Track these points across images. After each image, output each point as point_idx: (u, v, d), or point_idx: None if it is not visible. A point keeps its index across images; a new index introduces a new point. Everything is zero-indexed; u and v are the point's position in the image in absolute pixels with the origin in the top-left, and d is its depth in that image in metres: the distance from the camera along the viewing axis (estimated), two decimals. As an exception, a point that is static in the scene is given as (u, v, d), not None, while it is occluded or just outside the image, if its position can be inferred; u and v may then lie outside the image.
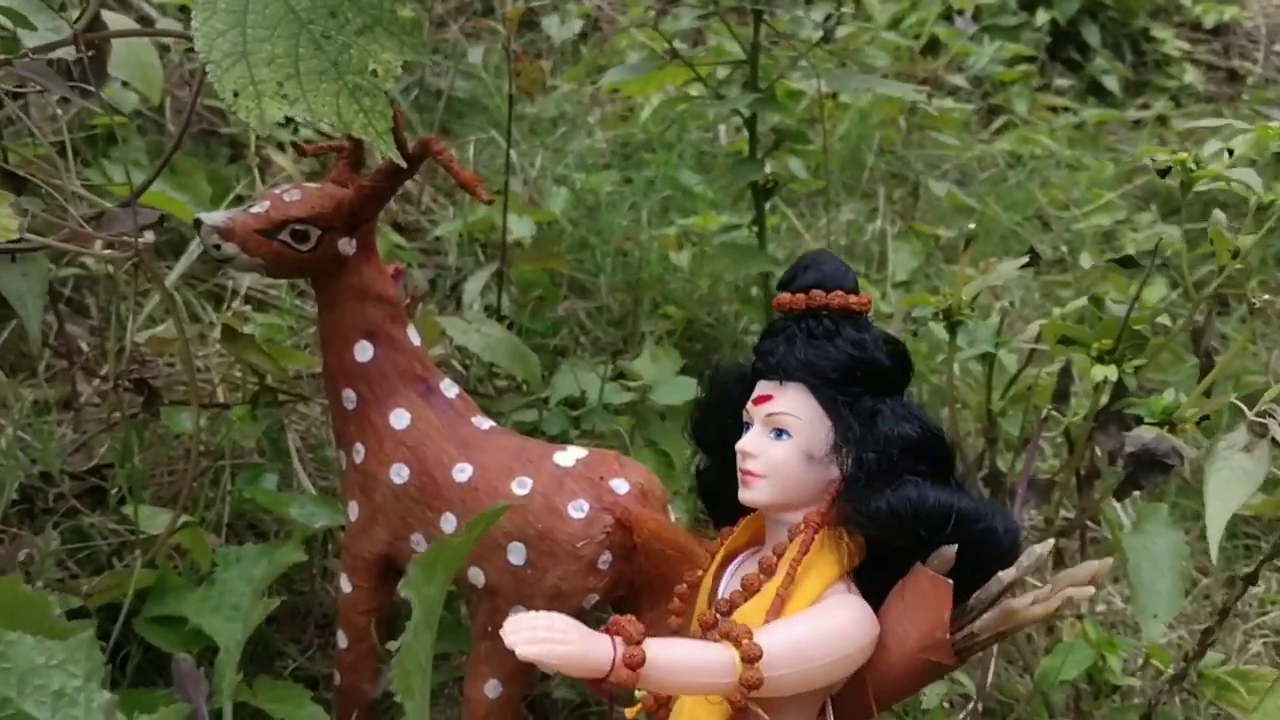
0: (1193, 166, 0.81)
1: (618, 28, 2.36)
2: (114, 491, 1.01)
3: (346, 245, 0.86)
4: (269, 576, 0.93)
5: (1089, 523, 0.99)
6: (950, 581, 0.62)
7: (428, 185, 1.74)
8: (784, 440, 0.65)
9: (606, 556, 0.82)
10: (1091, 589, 0.61)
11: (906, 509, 0.62)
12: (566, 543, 0.81)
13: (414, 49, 0.78)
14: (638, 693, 0.67)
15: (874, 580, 0.66)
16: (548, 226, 1.63)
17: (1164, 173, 0.85)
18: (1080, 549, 0.96)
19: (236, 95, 0.73)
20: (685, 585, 0.73)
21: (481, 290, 1.47)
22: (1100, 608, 1.08)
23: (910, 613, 0.63)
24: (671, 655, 0.60)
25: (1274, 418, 0.65)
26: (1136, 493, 0.83)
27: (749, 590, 0.66)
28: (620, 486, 0.83)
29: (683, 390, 1.20)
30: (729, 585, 0.70)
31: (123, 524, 0.99)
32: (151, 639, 0.91)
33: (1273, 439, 0.64)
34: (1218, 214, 0.88)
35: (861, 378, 0.65)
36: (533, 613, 0.60)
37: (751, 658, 0.60)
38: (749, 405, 0.68)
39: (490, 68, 2.07)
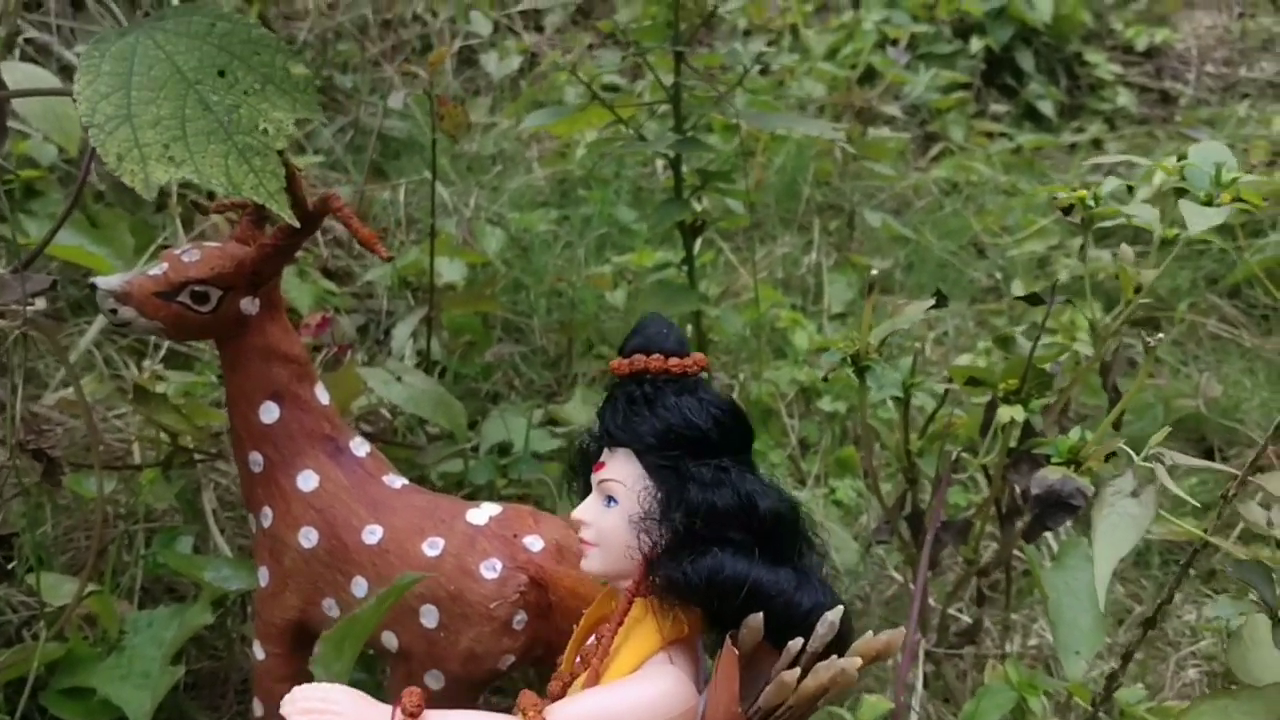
0: (1091, 204, 0.81)
1: (554, 68, 2.36)
2: (16, 564, 0.98)
3: (249, 305, 0.85)
4: (179, 640, 0.91)
5: (1017, 553, 0.99)
6: (736, 653, 0.61)
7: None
8: (613, 507, 0.65)
9: (521, 616, 0.81)
10: (859, 660, 0.60)
11: (703, 579, 0.61)
12: (479, 604, 0.80)
13: (306, 107, 0.77)
14: None
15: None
16: (481, 268, 1.61)
17: (1067, 210, 0.85)
18: (1006, 586, 0.96)
19: (120, 159, 0.71)
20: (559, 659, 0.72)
21: (412, 335, 1.45)
22: (1032, 641, 1.08)
23: (717, 684, 0.62)
24: None
25: (1161, 462, 0.65)
26: (1047, 532, 0.82)
27: (585, 662, 0.65)
28: (534, 544, 0.82)
29: (610, 435, 1.19)
30: (580, 653, 0.69)
31: (31, 595, 0.96)
32: (59, 712, 0.88)
33: (1160, 484, 0.63)
34: (1125, 250, 0.88)
35: (679, 442, 0.64)
36: (311, 684, 0.61)
37: None
38: (593, 471, 0.67)
39: (424, 108, 2.07)
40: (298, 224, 0.76)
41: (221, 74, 0.75)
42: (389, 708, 0.60)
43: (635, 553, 0.63)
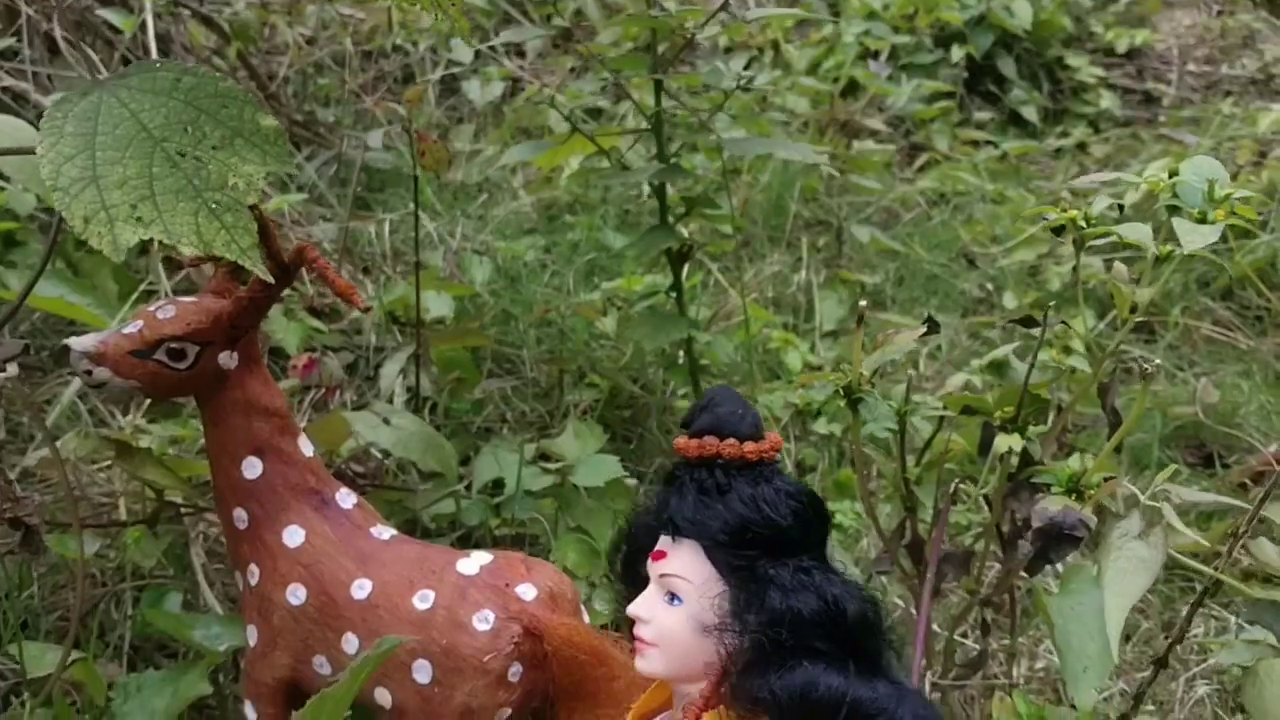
0: (1083, 224, 0.79)
1: (534, 96, 2.35)
2: (1, 629, 0.96)
3: (227, 359, 0.83)
4: (173, 710, 0.89)
5: (1022, 575, 0.97)
6: None
7: (345, 265, 1.71)
8: (676, 606, 0.59)
9: (517, 668, 0.79)
10: None
11: (793, 697, 0.56)
12: (473, 657, 0.78)
13: (277, 159, 0.75)
14: None
15: None
16: (469, 300, 1.60)
17: (1058, 230, 0.84)
18: (1011, 613, 0.94)
19: (87, 222, 0.69)
20: None
21: (401, 372, 1.44)
22: (1040, 664, 1.06)
23: None
24: None
25: (1169, 501, 0.63)
26: (1049, 564, 0.81)
27: None
28: (527, 592, 0.80)
29: (603, 470, 1.17)
30: None
31: (17, 662, 0.94)
32: (46, 786, 0.86)
33: (1167, 524, 0.62)
34: (1119, 268, 0.87)
35: (756, 539, 0.58)
36: None
37: None
38: (649, 559, 0.62)
39: (406, 140, 2.05)
40: (271, 280, 0.75)
41: (188, 129, 0.74)
42: None
43: (704, 658, 0.59)
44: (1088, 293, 1.66)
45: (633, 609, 0.62)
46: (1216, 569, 0.67)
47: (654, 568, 0.61)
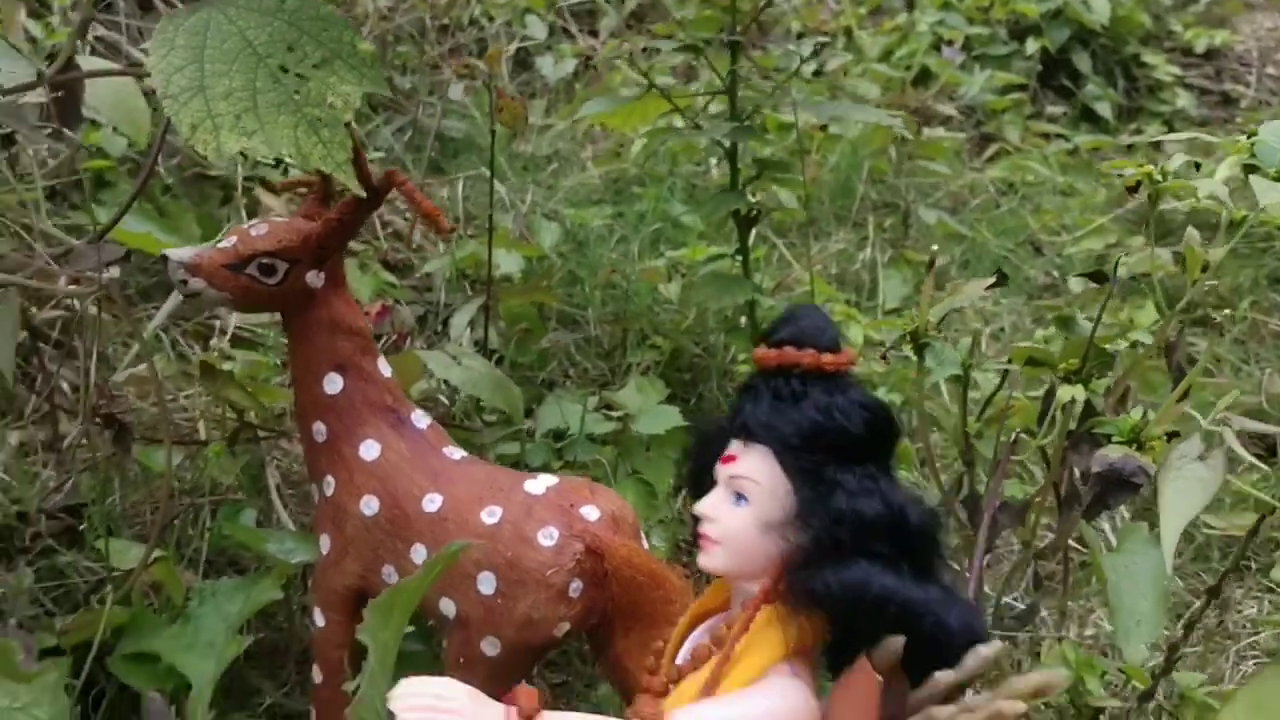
0: (1159, 179, 0.80)
1: (609, 65, 2.38)
2: (88, 530, 1.00)
3: (314, 278, 0.86)
4: (245, 614, 0.92)
5: (1074, 544, 0.98)
6: (879, 679, 0.58)
7: (419, 223, 1.75)
8: (742, 506, 0.61)
9: (577, 584, 0.81)
10: (1021, 706, 0.56)
11: (847, 593, 0.58)
12: (536, 570, 0.80)
13: (373, 82, 0.78)
14: None
15: (846, 661, 0.61)
16: (538, 262, 1.63)
17: (1133, 188, 0.85)
18: (1064, 571, 0.95)
19: (194, 129, 0.73)
20: (661, 644, 0.69)
21: (470, 324, 1.47)
22: (1089, 631, 1.07)
23: (845, 707, 0.59)
24: None
25: (1229, 425, 0.64)
26: (1107, 511, 0.81)
27: (697, 661, 0.63)
28: (591, 513, 0.82)
29: (664, 419, 1.20)
30: (690, 650, 0.66)
31: (99, 562, 0.99)
32: (124, 677, 0.90)
33: (1229, 448, 0.63)
34: (1192, 231, 0.87)
35: (826, 445, 0.60)
36: (422, 679, 0.58)
37: None
38: (718, 463, 0.64)
39: (481, 108, 2.09)
40: (363, 194, 0.78)
41: (291, 49, 0.77)
42: (503, 706, 0.58)
43: (765, 557, 0.60)
44: (1157, 284, 1.65)
45: (699, 507, 0.63)
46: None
47: (722, 470, 0.63)
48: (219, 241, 0.86)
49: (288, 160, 0.74)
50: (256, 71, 0.76)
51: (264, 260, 0.85)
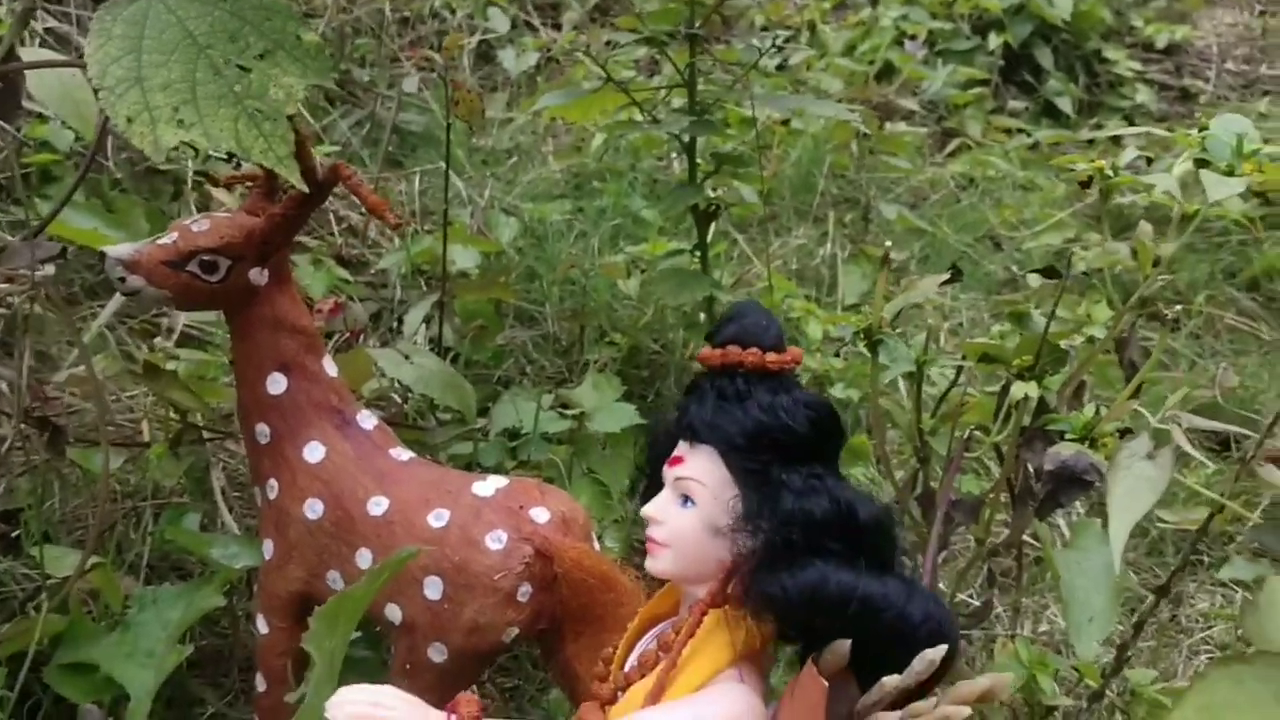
0: (1110, 175, 0.80)
1: (572, 59, 2.37)
2: (24, 535, 0.98)
3: (258, 275, 0.84)
4: (186, 621, 0.90)
5: (1029, 538, 0.97)
6: (826, 684, 0.57)
7: (373, 219, 1.72)
8: (689, 508, 0.61)
9: (526, 588, 0.80)
10: (967, 710, 0.56)
11: (805, 594, 0.57)
12: (484, 575, 0.79)
13: (318, 73, 0.76)
14: None
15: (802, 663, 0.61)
16: (495, 257, 1.61)
17: (1086, 183, 0.84)
18: (1018, 567, 0.95)
19: (130, 121, 0.71)
20: (611, 651, 0.69)
21: (425, 320, 1.45)
22: (1043, 627, 1.07)
23: (794, 712, 0.58)
24: None
25: (1178, 424, 0.63)
26: (1060, 509, 0.81)
27: (645, 667, 0.62)
28: (540, 515, 0.81)
29: (620, 418, 1.18)
30: (638, 657, 0.65)
31: (35, 569, 0.96)
32: (60, 688, 0.87)
33: (1177, 446, 0.62)
34: (1144, 226, 0.87)
35: (771, 445, 0.59)
36: (358, 685, 0.57)
37: None
38: (666, 465, 0.63)
39: (440, 101, 2.07)
40: (306, 189, 0.76)
41: (232, 39, 0.75)
42: (443, 714, 0.58)
43: (714, 560, 0.60)
44: (1113, 279, 1.66)
45: (646, 510, 0.63)
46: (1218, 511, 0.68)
47: (669, 472, 0.62)
48: (160, 238, 0.84)
49: (233, 150, 0.72)
50: (196, 62, 0.74)
51: (205, 257, 0.82)
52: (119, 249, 0.82)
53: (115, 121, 0.71)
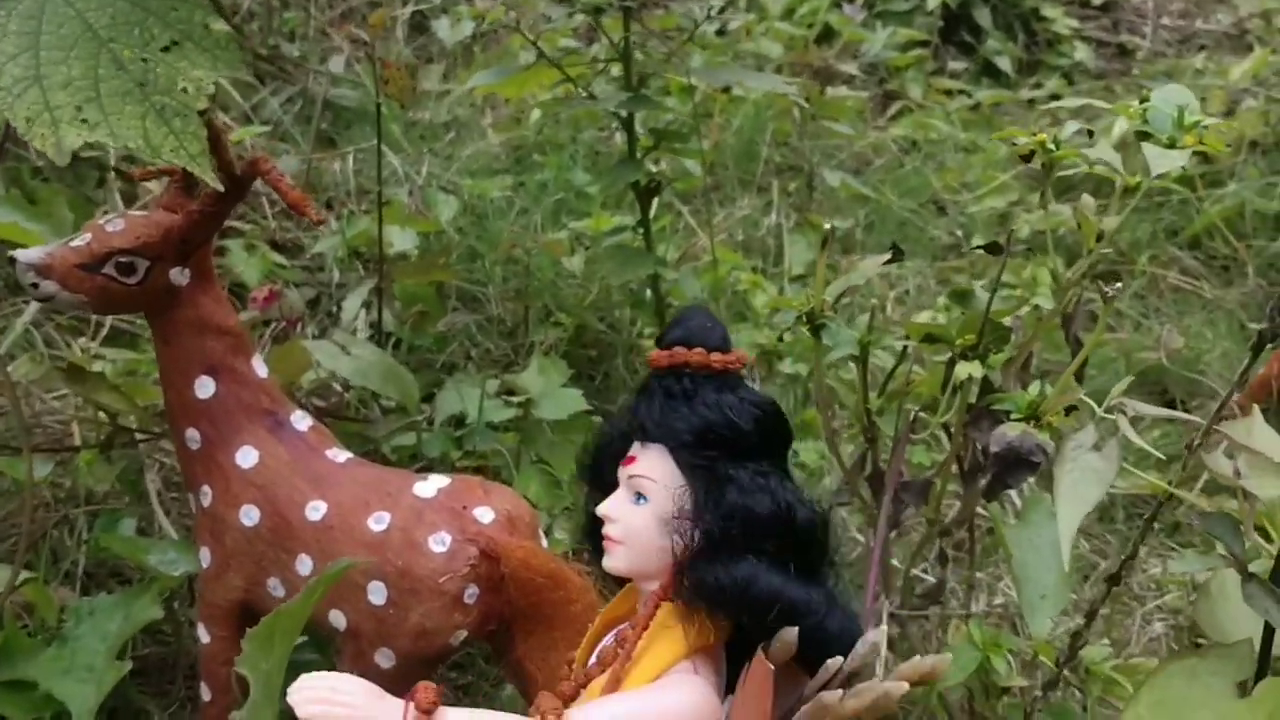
0: (1052, 148, 0.78)
1: (498, 21, 2.31)
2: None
3: (179, 275, 0.81)
4: (125, 633, 0.88)
5: (981, 511, 0.97)
6: (771, 669, 0.59)
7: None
8: (643, 505, 0.62)
9: (473, 590, 0.78)
10: (904, 685, 0.58)
11: (735, 587, 0.59)
12: (428, 578, 0.77)
13: (228, 64, 0.73)
14: None
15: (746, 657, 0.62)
16: (434, 237, 1.58)
17: (1027, 157, 0.83)
18: (969, 545, 0.94)
19: (30, 122, 0.67)
20: (573, 654, 0.69)
21: (364, 306, 1.42)
22: (998, 600, 1.07)
23: (745, 700, 0.59)
24: None
25: (1124, 413, 0.63)
26: (1007, 490, 0.81)
27: (603, 664, 0.63)
28: (485, 515, 0.79)
29: (567, 403, 1.16)
30: (597, 654, 0.66)
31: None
32: (-3, 708, 0.85)
33: (1123, 436, 0.62)
34: (1087, 199, 0.86)
35: (718, 441, 0.61)
36: (318, 674, 0.57)
37: None
38: (620, 466, 0.64)
39: (372, 76, 2.02)
40: (222, 188, 0.73)
41: (137, 31, 0.71)
42: (401, 702, 0.57)
43: (665, 554, 0.61)
44: (1057, 241, 1.66)
45: (601, 508, 0.64)
46: (1170, 484, 0.67)
47: (623, 472, 0.63)
48: (72, 239, 0.80)
49: (140, 155, 0.68)
50: (98, 58, 0.70)
51: (122, 258, 0.79)
52: (29, 253, 0.78)
53: (15, 123, 0.67)
